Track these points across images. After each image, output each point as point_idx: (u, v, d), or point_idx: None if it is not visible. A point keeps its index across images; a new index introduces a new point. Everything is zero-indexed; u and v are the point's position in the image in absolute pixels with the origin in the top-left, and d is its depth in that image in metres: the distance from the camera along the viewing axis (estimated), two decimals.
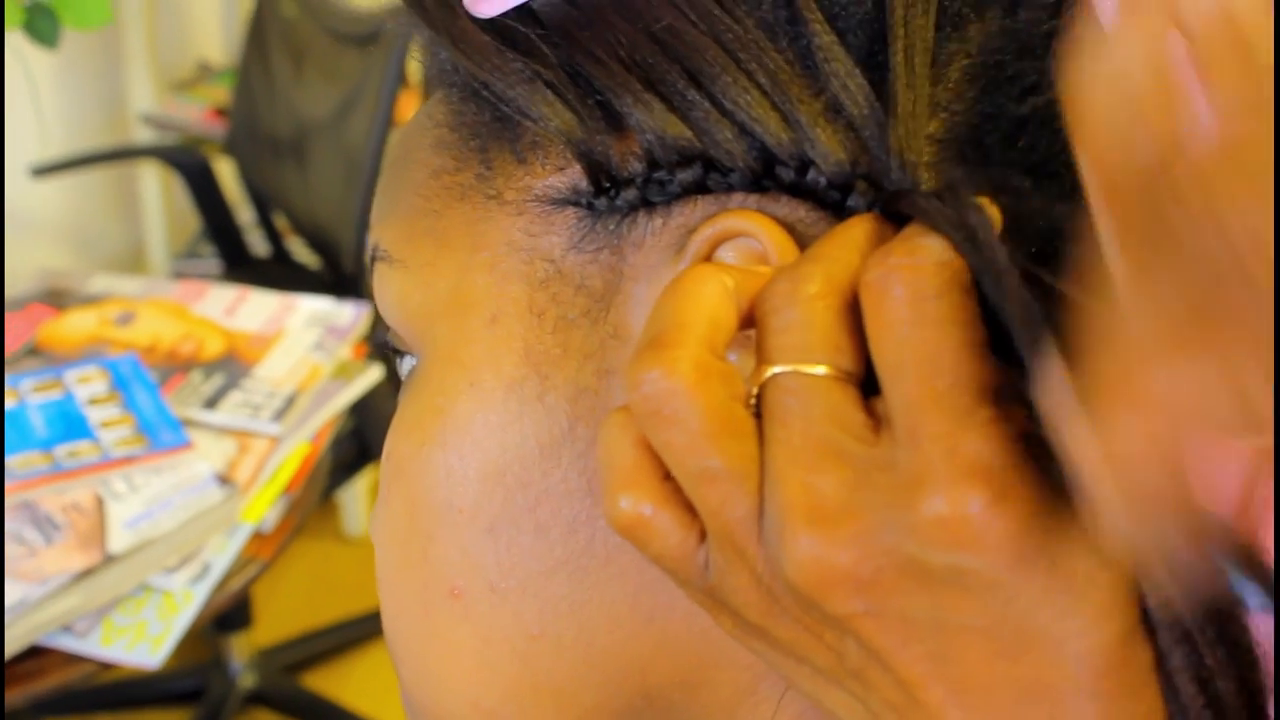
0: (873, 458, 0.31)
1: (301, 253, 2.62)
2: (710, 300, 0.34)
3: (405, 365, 0.43)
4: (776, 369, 0.33)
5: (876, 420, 0.32)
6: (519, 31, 0.38)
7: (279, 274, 2.55)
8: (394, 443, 0.42)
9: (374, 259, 0.43)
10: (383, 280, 0.43)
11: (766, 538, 0.32)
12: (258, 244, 2.68)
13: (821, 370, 0.32)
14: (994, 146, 0.36)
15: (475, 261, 0.40)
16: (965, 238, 0.32)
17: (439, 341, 0.41)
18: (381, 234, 0.43)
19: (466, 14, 0.38)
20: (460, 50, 0.38)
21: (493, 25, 0.38)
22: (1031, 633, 0.31)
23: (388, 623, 0.44)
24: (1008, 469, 0.30)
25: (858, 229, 0.34)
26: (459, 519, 0.40)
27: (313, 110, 2.37)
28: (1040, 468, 0.31)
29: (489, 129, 0.40)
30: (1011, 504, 0.30)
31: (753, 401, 0.33)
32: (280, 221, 2.62)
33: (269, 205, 2.60)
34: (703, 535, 0.34)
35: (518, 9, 0.38)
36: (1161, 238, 0.26)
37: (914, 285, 0.31)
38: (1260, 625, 0.32)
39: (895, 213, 0.35)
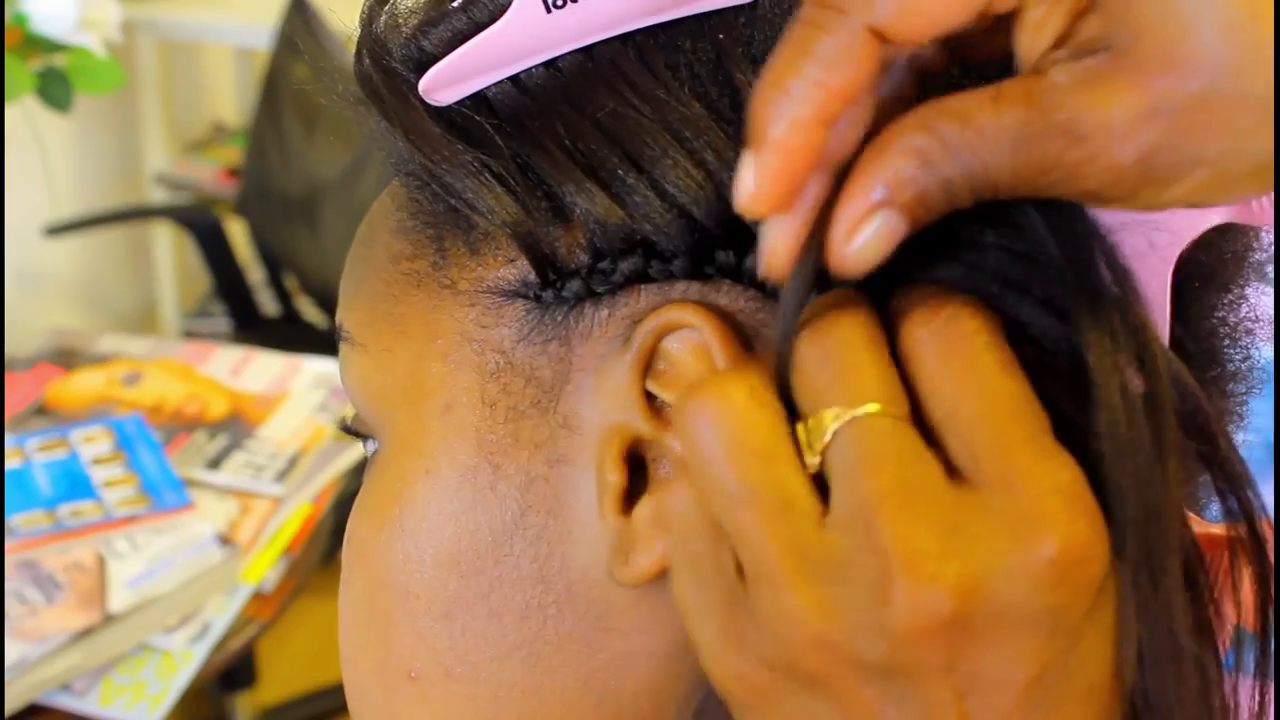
0: (961, 504, 0.31)
1: (311, 312, 2.63)
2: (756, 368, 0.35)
3: (369, 448, 0.44)
4: (850, 414, 0.32)
5: (943, 466, 0.32)
6: (473, 121, 0.39)
7: (288, 333, 2.56)
8: (355, 526, 0.43)
9: (339, 339, 0.44)
10: (346, 361, 0.44)
11: (853, 590, 0.31)
12: (268, 303, 2.70)
13: (894, 411, 0.32)
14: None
15: (431, 350, 0.41)
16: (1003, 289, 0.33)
17: (397, 427, 0.42)
18: (345, 315, 0.44)
19: (421, 104, 0.39)
20: (412, 141, 0.39)
21: (447, 115, 0.39)
22: (1077, 668, 0.32)
23: (352, 700, 0.45)
24: (1094, 510, 0.31)
25: (854, 292, 0.34)
26: (416, 604, 0.41)
27: (324, 172, 2.39)
28: None
29: (443, 218, 0.41)
30: (1099, 544, 0.31)
31: (819, 446, 0.33)
32: (290, 281, 2.63)
33: (279, 265, 2.62)
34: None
35: (473, 98, 0.39)
36: None
37: (971, 338, 0.32)
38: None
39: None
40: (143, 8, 2.72)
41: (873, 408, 0.32)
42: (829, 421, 0.32)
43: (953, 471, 0.32)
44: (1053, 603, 0.30)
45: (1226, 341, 0.41)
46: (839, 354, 0.33)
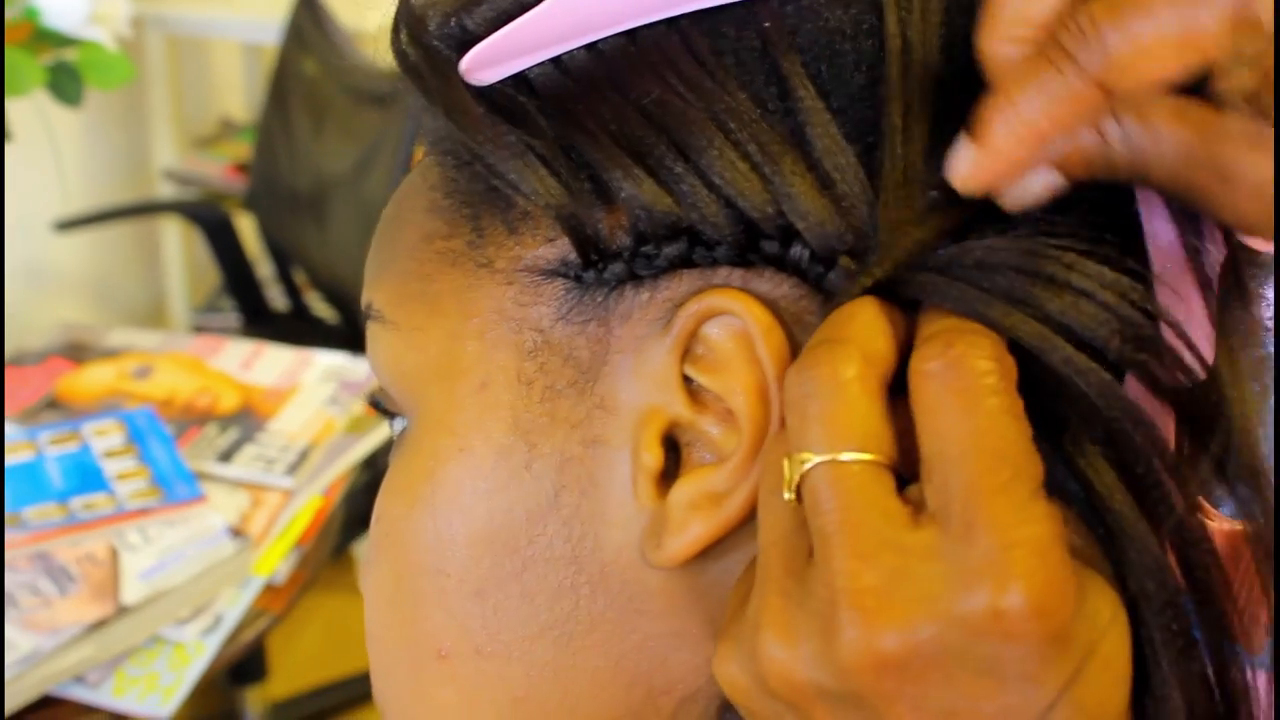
0: (917, 545, 0.32)
1: (320, 307, 2.64)
2: None
3: (396, 426, 0.44)
4: (820, 458, 0.34)
5: (912, 507, 0.33)
6: (515, 101, 0.39)
7: (297, 328, 2.57)
8: (384, 505, 0.43)
9: (367, 318, 0.44)
10: (375, 340, 0.43)
11: (812, 623, 0.33)
12: (277, 298, 2.70)
13: (866, 458, 0.34)
14: (977, 222, 0.36)
15: (466, 328, 0.41)
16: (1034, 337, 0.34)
17: (430, 405, 0.41)
18: (374, 294, 0.44)
19: (463, 83, 0.39)
20: (454, 120, 0.39)
21: (489, 95, 0.39)
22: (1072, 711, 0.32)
23: (377, 680, 0.45)
24: (1058, 562, 0.32)
25: (870, 309, 0.35)
26: (447, 583, 0.41)
27: (332, 167, 2.39)
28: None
29: (481, 197, 0.40)
30: (1059, 601, 0.31)
31: (794, 483, 0.34)
32: (299, 276, 2.64)
33: (288, 260, 2.63)
34: None
35: (514, 78, 0.39)
36: None
37: (977, 379, 0.33)
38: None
39: (892, 294, 0.36)
40: (152, 3, 2.72)
41: (845, 456, 0.34)
42: (804, 462, 0.34)
43: (928, 511, 0.33)
44: (998, 653, 0.31)
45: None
46: (821, 392, 0.34)
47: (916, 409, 0.34)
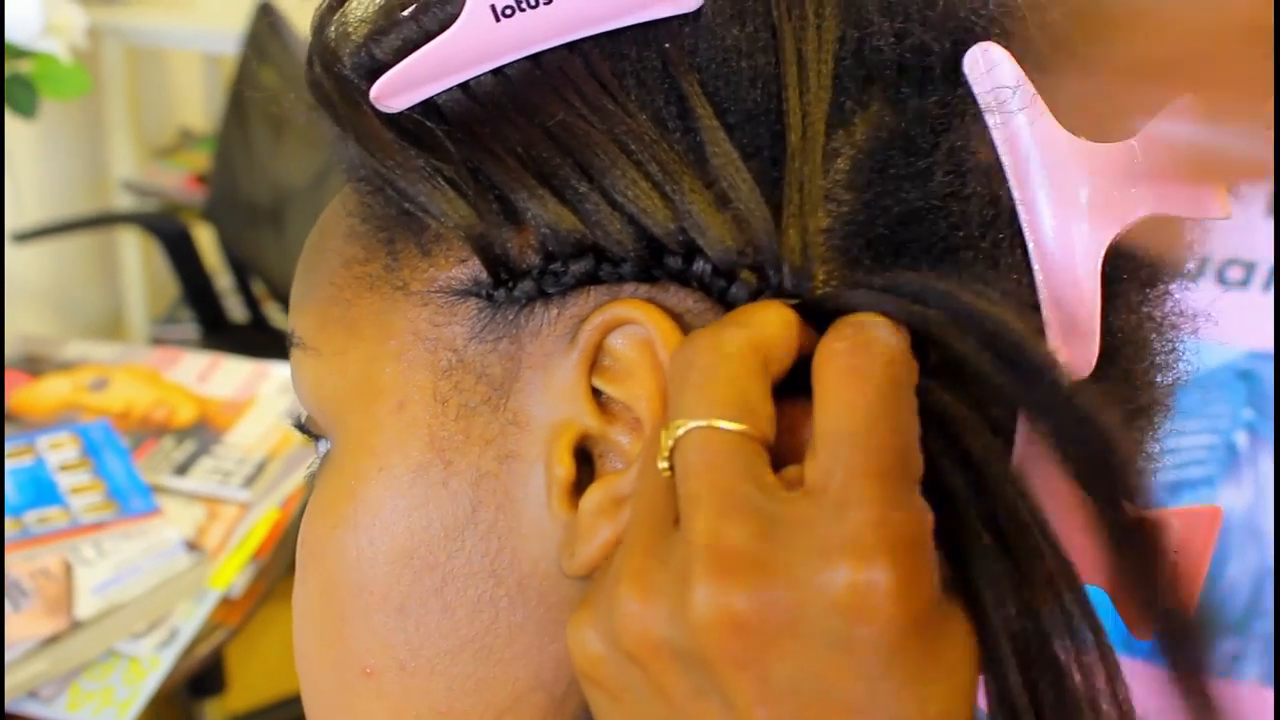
0: (786, 514, 0.33)
1: (279, 318, 2.63)
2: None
3: (321, 448, 0.45)
4: (695, 423, 0.34)
5: (786, 484, 0.34)
6: (424, 127, 0.39)
7: (256, 339, 2.56)
8: (309, 525, 0.44)
9: (290, 344, 0.45)
10: (298, 366, 0.44)
11: (671, 579, 0.33)
12: (236, 310, 2.69)
13: (741, 428, 0.34)
14: (882, 237, 0.38)
15: (384, 350, 0.41)
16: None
17: (350, 427, 0.42)
18: (297, 321, 0.45)
19: (373, 110, 0.40)
20: (365, 146, 0.40)
21: (398, 121, 0.40)
22: (891, 712, 0.32)
23: (308, 699, 0.45)
24: (924, 555, 0.32)
25: (772, 307, 0.36)
26: (370, 600, 0.42)
27: (291, 178, 2.39)
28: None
29: (395, 222, 0.41)
30: (918, 590, 0.32)
31: (666, 451, 0.35)
32: (258, 288, 2.64)
33: (247, 271, 2.62)
34: None
35: (423, 105, 0.40)
36: None
37: (883, 366, 0.34)
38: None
39: (804, 306, 0.37)
40: (109, 13, 2.71)
41: (720, 423, 0.34)
42: (679, 428, 0.35)
43: (804, 487, 0.33)
44: (851, 632, 0.32)
45: (1154, 335, 0.42)
46: (702, 362, 0.35)
47: (818, 384, 0.34)
